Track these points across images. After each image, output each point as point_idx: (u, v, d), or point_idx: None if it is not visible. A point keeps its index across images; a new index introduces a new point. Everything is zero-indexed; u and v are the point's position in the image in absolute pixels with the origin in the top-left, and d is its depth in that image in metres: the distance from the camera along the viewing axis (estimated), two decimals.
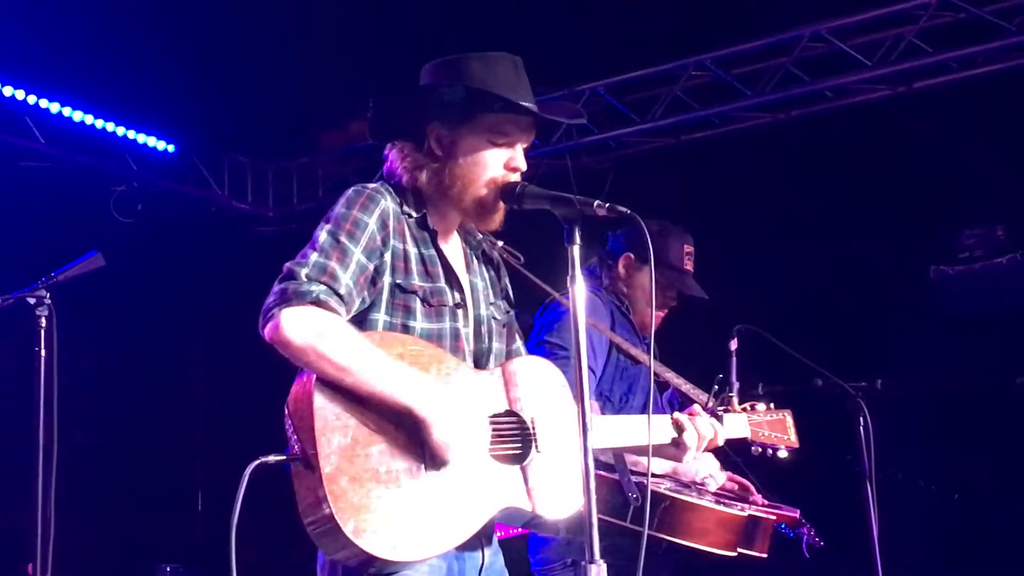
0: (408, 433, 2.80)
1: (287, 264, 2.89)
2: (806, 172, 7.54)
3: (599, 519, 3.73)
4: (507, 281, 3.37)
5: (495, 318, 3.22)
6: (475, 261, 3.25)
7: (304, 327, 2.77)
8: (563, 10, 7.01)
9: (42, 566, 4.71)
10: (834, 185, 7.48)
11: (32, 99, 7.59)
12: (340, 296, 2.85)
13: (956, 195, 7.33)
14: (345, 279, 2.88)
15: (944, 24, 7.21)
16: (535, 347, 4.27)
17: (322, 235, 2.93)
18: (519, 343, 3.33)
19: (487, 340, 3.15)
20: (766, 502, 4.37)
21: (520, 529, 4.07)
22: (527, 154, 3.18)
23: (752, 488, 4.41)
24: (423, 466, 2.79)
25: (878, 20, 7.33)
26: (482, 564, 3.03)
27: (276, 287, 2.85)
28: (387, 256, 2.99)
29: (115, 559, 7.74)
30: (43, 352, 4.78)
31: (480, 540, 2.99)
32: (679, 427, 3.39)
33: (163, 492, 8.42)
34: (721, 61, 7.75)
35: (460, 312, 3.08)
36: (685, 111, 7.93)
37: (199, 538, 8.75)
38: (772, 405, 3.95)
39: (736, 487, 4.41)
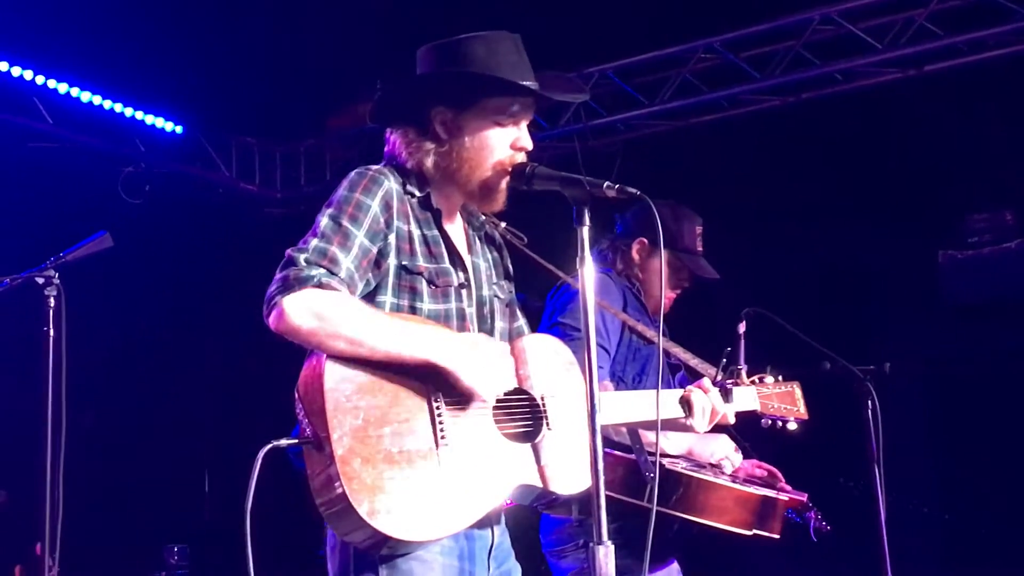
0: (420, 409, 2.80)
1: (288, 251, 2.89)
2: (815, 155, 7.53)
3: (616, 499, 3.79)
4: (508, 260, 3.38)
5: (498, 297, 3.22)
6: (477, 242, 3.26)
7: (307, 311, 2.77)
8: None
9: (50, 546, 4.73)
10: (843, 169, 7.47)
11: (40, 80, 7.60)
12: (341, 278, 2.85)
13: (965, 180, 7.32)
14: (346, 263, 2.88)
15: (955, 7, 7.19)
16: (548, 328, 4.27)
17: (324, 220, 2.93)
18: (521, 321, 3.34)
19: (491, 320, 3.16)
20: (790, 489, 4.37)
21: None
22: (535, 137, 3.18)
23: (779, 475, 4.42)
24: (435, 446, 2.80)
25: (888, 3, 7.30)
26: (492, 543, 3.04)
27: (277, 275, 2.85)
28: (391, 238, 2.99)
29: (123, 540, 7.77)
30: (51, 332, 4.80)
31: (490, 519, 2.99)
32: (688, 402, 3.40)
33: (171, 473, 8.44)
34: (730, 44, 7.72)
35: (464, 292, 3.09)
36: (694, 94, 7.91)
37: (206, 519, 8.78)
38: (780, 377, 3.95)
39: (765, 474, 4.42)
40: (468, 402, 2.86)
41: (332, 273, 2.84)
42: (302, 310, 2.77)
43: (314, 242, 2.88)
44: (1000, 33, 7.05)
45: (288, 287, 2.80)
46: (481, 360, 2.88)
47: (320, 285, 2.81)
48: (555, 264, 3.61)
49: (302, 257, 2.85)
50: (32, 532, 4.76)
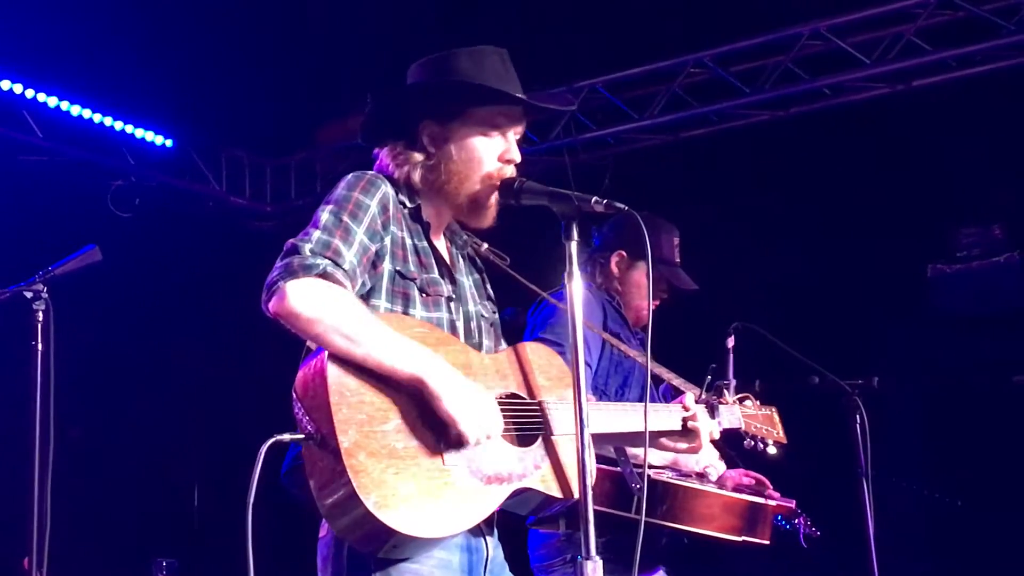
0: (422, 410, 2.78)
1: (290, 240, 2.86)
2: (804, 170, 7.54)
3: (604, 512, 3.78)
4: (489, 286, 3.35)
5: (483, 316, 3.21)
6: (460, 260, 3.25)
7: (311, 298, 2.74)
8: (562, 7, 7.00)
9: (38, 560, 4.71)
10: (832, 183, 7.49)
11: (30, 93, 7.59)
12: (345, 271, 2.83)
13: (954, 194, 7.34)
14: (349, 256, 2.86)
15: (943, 22, 7.22)
16: None
17: (324, 215, 2.91)
18: (503, 344, 3.31)
19: (477, 335, 3.14)
20: (779, 496, 4.38)
21: None
22: (524, 151, 3.18)
23: (768, 483, 4.43)
24: (439, 444, 2.78)
25: (877, 18, 7.34)
26: (487, 556, 3.02)
27: (280, 262, 2.81)
28: (387, 241, 2.98)
29: (111, 553, 7.73)
30: (40, 346, 4.78)
31: (483, 532, 2.99)
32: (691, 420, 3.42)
33: (159, 486, 8.42)
34: (720, 58, 7.75)
35: (452, 305, 3.08)
36: (684, 108, 7.93)
37: (195, 532, 8.75)
38: (759, 402, 3.97)
39: (753, 482, 4.42)
40: (447, 430, 2.77)
41: (337, 264, 2.82)
42: (305, 297, 2.74)
43: (316, 234, 2.86)
44: (988, 48, 7.09)
45: (292, 272, 2.76)
46: (469, 396, 2.80)
47: (325, 275, 2.78)
48: (535, 276, 3.60)
49: (306, 247, 2.82)
50: (20, 546, 4.74)
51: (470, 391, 2.81)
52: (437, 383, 2.76)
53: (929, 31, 7.19)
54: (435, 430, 2.78)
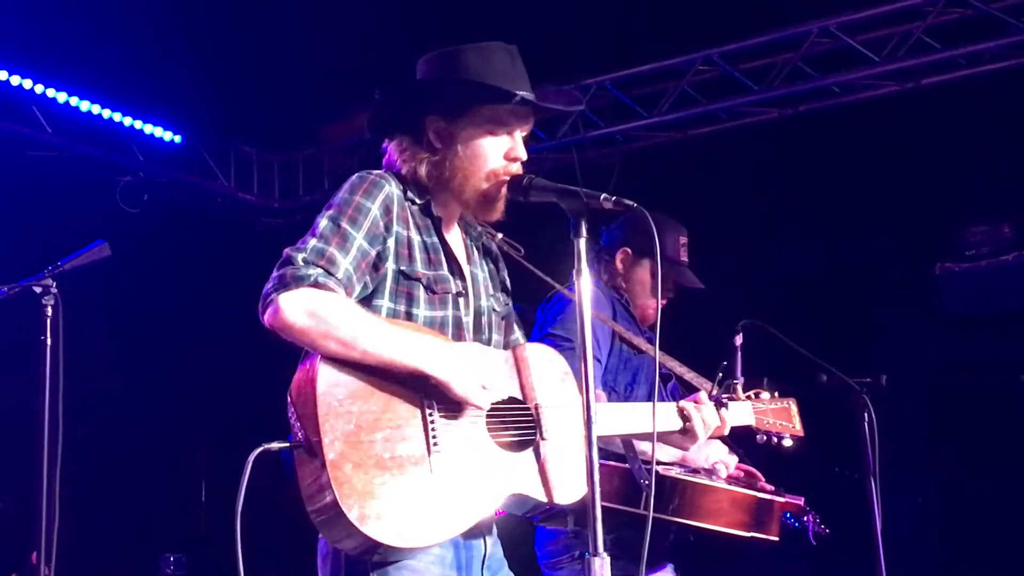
0: (414, 416, 2.79)
1: (286, 250, 2.90)
2: (813, 168, 7.54)
3: (613, 508, 3.78)
4: (505, 274, 3.37)
5: (495, 310, 3.22)
6: (475, 252, 3.26)
7: (303, 309, 2.78)
8: (570, 4, 7.00)
9: (46, 555, 4.71)
10: (840, 181, 7.48)
11: (39, 88, 7.61)
12: (338, 279, 2.86)
13: (963, 192, 7.33)
14: (344, 263, 2.88)
15: (952, 20, 7.21)
16: (539, 340, 4.26)
17: (323, 221, 2.94)
18: (518, 334, 3.34)
19: (487, 331, 3.16)
20: (773, 489, 4.38)
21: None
22: (532, 148, 3.18)
23: (759, 475, 4.42)
24: (427, 453, 2.79)
25: (886, 16, 7.32)
26: (485, 553, 3.03)
27: (274, 273, 2.85)
28: (390, 242, 2.99)
29: (118, 548, 7.75)
30: (49, 341, 4.78)
31: (481, 529, 3.00)
32: (684, 416, 3.40)
33: (166, 482, 8.43)
34: (728, 56, 7.74)
35: (461, 301, 3.09)
36: (692, 106, 7.93)
37: (202, 528, 8.77)
38: (776, 394, 3.95)
39: (742, 475, 4.41)
40: (461, 410, 2.86)
41: (329, 273, 2.84)
42: (297, 308, 2.78)
43: (312, 242, 2.89)
44: (998, 46, 7.07)
45: (284, 284, 2.80)
46: (472, 371, 2.87)
47: (316, 284, 2.81)
48: (547, 274, 3.60)
49: (300, 256, 2.85)
50: (28, 541, 4.75)
51: (473, 367, 2.87)
52: (443, 370, 2.82)
53: (938, 29, 7.18)
54: (425, 437, 2.80)
